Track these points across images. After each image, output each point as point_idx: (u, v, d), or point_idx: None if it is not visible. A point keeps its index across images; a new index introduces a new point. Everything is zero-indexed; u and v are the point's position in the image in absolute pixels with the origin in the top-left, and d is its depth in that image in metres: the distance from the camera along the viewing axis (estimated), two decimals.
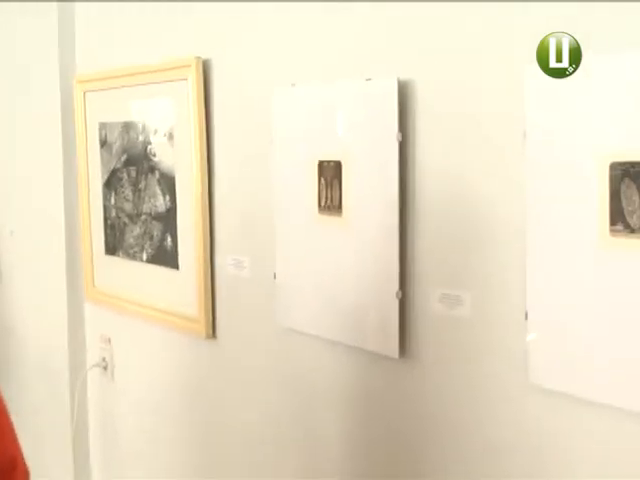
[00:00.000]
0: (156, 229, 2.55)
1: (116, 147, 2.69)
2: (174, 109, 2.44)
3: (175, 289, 2.53)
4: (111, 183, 2.74)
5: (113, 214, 2.76)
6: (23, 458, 1.75)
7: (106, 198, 2.78)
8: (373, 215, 1.87)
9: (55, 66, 2.96)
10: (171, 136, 2.45)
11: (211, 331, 2.42)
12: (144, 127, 2.56)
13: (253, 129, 2.23)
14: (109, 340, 2.91)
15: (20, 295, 3.41)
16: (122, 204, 2.70)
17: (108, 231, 2.80)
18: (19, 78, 3.22)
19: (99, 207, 2.82)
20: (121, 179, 2.68)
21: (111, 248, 2.80)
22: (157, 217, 2.55)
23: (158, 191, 2.52)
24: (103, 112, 2.75)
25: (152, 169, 2.54)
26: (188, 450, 2.64)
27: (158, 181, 2.52)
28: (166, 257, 2.53)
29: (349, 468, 2.07)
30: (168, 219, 2.50)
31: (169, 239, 2.51)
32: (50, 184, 3.05)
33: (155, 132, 2.51)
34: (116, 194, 2.72)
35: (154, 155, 2.52)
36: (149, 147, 2.54)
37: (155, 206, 2.55)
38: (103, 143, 2.75)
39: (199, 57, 2.33)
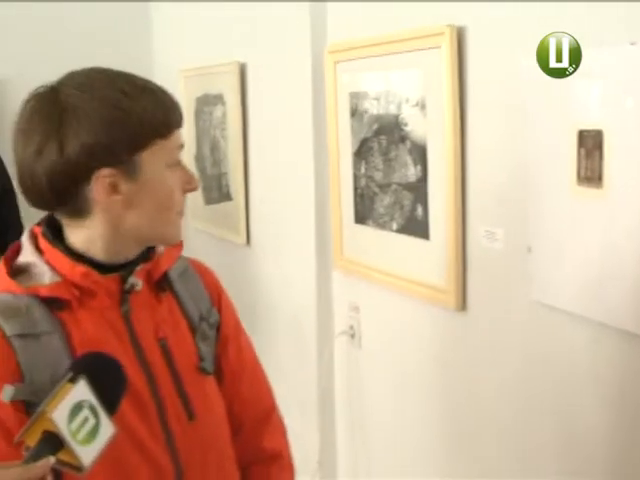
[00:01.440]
0: (406, 199, 2.54)
1: (367, 117, 2.69)
2: (426, 78, 2.41)
3: (425, 259, 2.51)
4: (361, 152, 2.75)
5: (363, 183, 2.77)
6: (278, 412, 1.80)
7: (356, 167, 2.79)
8: (639, 186, 1.77)
9: (307, 37, 3.00)
10: (423, 105, 2.42)
11: (461, 303, 2.38)
12: (395, 96, 2.54)
13: (508, 97, 2.17)
14: (357, 308, 2.94)
15: (269, 259, 3.51)
16: (372, 173, 2.71)
17: (358, 200, 2.81)
18: (271, 50, 3.30)
19: (349, 176, 2.84)
20: (371, 148, 2.69)
21: (360, 217, 2.81)
22: (408, 187, 2.53)
23: (409, 161, 2.50)
24: (354, 82, 2.76)
25: (403, 139, 2.52)
26: (431, 422, 2.64)
27: (409, 150, 2.50)
28: (416, 227, 2.51)
29: (607, 462, 1.98)
30: (419, 189, 2.48)
31: (420, 209, 2.48)
32: (301, 153, 3.11)
33: (406, 101, 2.48)
34: (366, 163, 2.73)
35: (405, 124, 2.50)
36: (400, 116, 2.52)
37: (406, 176, 2.53)
38: (353, 113, 2.76)
39: (452, 25, 2.28)
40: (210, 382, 1.62)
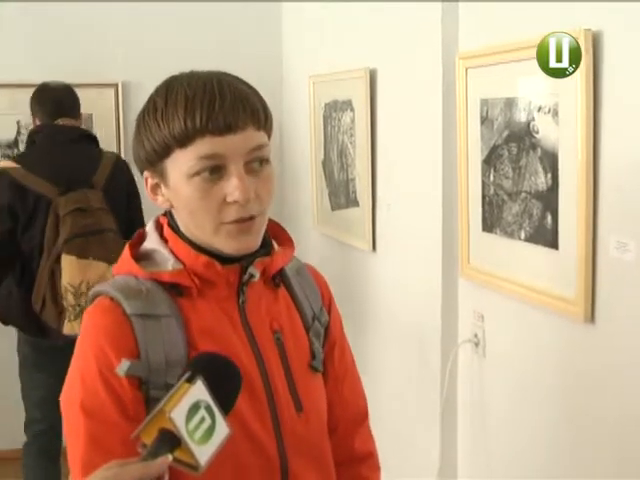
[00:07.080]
0: (536, 207, 2.50)
1: (497, 123, 2.66)
2: (559, 84, 2.35)
3: (553, 270, 2.46)
4: (490, 160, 2.72)
5: (491, 191, 2.74)
6: (369, 418, 1.81)
7: (485, 175, 2.77)
8: None
9: (438, 43, 2.99)
10: (555, 112, 2.37)
11: (590, 315, 2.32)
12: (527, 103, 2.50)
13: None
14: (482, 317, 2.91)
15: (394, 266, 3.51)
16: (501, 181, 2.67)
17: (486, 208, 2.78)
18: (402, 56, 3.30)
19: (477, 184, 2.81)
20: (501, 156, 2.65)
21: (488, 225, 2.78)
22: (537, 195, 2.49)
23: (539, 169, 2.46)
24: (485, 88, 2.73)
25: (534, 146, 2.48)
26: (554, 435, 2.58)
27: (540, 158, 2.46)
28: (545, 236, 2.47)
29: None
30: (549, 198, 2.43)
31: (549, 218, 2.44)
32: (429, 160, 3.10)
33: (539, 108, 2.44)
34: (495, 171, 2.70)
35: (537, 132, 2.46)
36: (532, 124, 2.48)
37: (536, 184, 2.49)
38: (484, 119, 2.74)
39: (589, 29, 2.22)
40: (318, 380, 1.64)
